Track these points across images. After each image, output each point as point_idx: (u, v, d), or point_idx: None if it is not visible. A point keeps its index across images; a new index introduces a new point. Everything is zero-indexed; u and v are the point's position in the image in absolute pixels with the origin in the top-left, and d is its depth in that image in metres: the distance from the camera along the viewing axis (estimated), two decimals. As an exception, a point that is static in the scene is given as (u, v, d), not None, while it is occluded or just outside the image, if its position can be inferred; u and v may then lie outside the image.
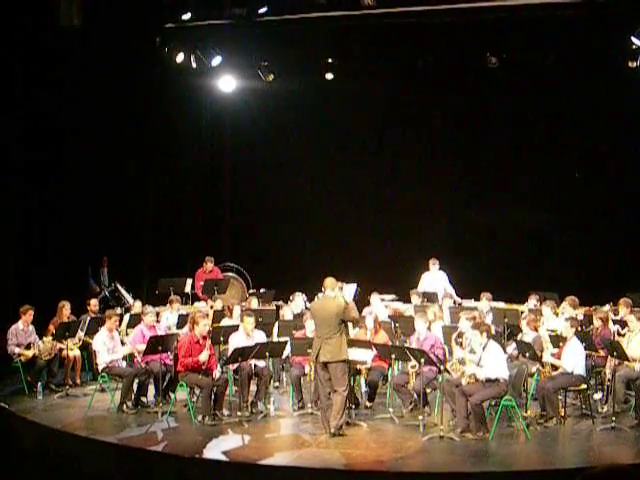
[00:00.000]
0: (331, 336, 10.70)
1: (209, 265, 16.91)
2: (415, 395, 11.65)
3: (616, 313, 13.28)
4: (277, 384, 13.54)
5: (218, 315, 13.94)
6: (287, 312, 14.30)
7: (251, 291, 17.20)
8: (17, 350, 13.05)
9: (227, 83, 18.10)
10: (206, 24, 15.69)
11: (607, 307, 13.80)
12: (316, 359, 10.84)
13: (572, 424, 11.30)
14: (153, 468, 10.12)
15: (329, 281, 11.16)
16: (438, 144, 18.64)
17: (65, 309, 13.75)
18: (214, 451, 10.29)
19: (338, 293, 11.09)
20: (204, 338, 11.73)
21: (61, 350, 13.34)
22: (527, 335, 12.27)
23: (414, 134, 18.62)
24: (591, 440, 10.73)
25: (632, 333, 11.78)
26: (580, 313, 13.39)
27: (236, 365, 11.97)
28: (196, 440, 10.65)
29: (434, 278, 16.40)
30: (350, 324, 11.94)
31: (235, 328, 12.58)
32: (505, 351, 11.65)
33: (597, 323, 12.50)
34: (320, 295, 14.51)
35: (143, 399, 12.34)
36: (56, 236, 15.35)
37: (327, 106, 18.67)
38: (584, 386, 11.37)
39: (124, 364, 12.56)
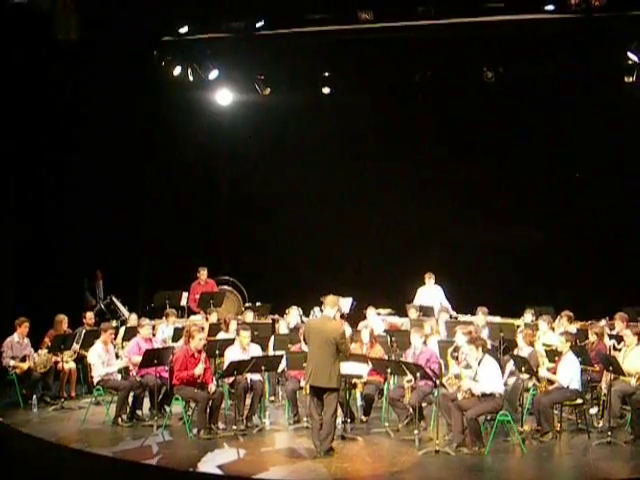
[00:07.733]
0: (326, 361, 10.40)
1: (203, 274, 16.86)
2: (411, 409, 11.65)
3: (612, 328, 13.29)
4: (272, 398, 13.50)
5: (214, 328, 13.92)
6: (283, 326, 14.27)
7: (247, 304, 17.16)
8: (12, 363, 13.01)
9: (224, 96, 18.11)
10: (203, 38, 15.72)
11: (603, 322, 13.80)
12: (308, 381, 10.62)
13: (568, 439, 11.30)
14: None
15: (330, 299, 10.86)
16: (435, 159, 18.62)
17: (63, 323, 13.76)
18: (209, 465, 10.25)
19: (337, 314, 10.93)
20: (199, 352, 11.72)
21: (56, 363, 13.30)
22: (523, 350, 12.25)
23: (411, 149, 18.61)
24: (587, 455, 10.70)
25: (628, 348, 11.80)
26: (575, 328, 13.39)
27: (232, 379, 11.96)
28: (191, 454, 10.64)
29: (430, 292, 16.40)
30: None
31: (231, 342, 12.56)
32: (503, 367, 11.64)
33: (592, 338, 12.50)
34: (316, 309, 14.54)
35: (138, 412, 12.31)
36: (52, 249, 15.32)
37: (323, 120, 18.65)
38: (580, 401, 11.38)
39: (119, 377, 12.54)
